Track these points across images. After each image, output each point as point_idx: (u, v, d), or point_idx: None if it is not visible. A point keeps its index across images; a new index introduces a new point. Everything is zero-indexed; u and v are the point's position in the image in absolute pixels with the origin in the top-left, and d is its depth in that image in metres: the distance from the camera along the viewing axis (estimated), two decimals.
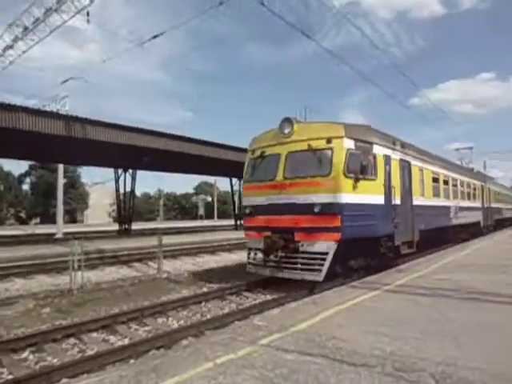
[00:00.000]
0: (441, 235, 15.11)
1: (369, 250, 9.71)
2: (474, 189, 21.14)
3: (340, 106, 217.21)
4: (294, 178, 8.98)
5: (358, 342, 4.10)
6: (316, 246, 8.53)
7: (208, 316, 7.38)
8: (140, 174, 38.50)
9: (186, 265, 14.25)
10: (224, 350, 4.02)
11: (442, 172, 15.43)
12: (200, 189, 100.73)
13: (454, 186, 17.06)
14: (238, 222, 38.16)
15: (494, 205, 26.38)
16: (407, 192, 11.37)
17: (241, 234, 25.88)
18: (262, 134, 10.35)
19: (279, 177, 9.22)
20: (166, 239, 19.36)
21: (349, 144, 8.77)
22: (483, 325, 4.67)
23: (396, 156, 10.79)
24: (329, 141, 8.72)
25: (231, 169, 31.92)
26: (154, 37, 13.37)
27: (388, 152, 10.29)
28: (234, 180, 38.40)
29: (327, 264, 8.33)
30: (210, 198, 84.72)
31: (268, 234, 9.18)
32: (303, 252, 8.67)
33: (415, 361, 3.54)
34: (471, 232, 20.00)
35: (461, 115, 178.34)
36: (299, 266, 8.67)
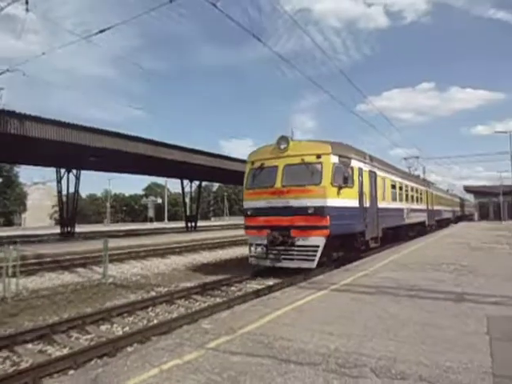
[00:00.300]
0: (397, 233, 17.53)
1: (347, 243, 11.86)
2: (420, 193, 23.78)
3: (293, 110, 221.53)
4: (291, 186, 10.76)
5: (304, 341, 4.18)
6: (309, 240, 10.37)
7: (155, 321, 7.16)
8: (86, 174, 36.72)
9: (134, 269, 13.76)
10: (170, 355, 3.92)
11: (398, 180, 17.96)
12: (150, 190, 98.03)
13: (406, 191, 19.62)
14: (189, 224, 37.64)
15: (435, 207, 29.26)
16: (374, 197, 13.60)
17: (191, 237, 25.60)
18: (260, 149, 12.18)
19: (278, 184, 10.97)
20: (113, 242, 18.63)
21: (334, 159, 10.83)
22: (421, 320, 4.96)
23: (366, 168, 13.02)
24: (319, 156, 10.70)
25: (182, 170, 31.48)
26: (101, 31, 12.78)
27: (361, 165, 12.49)
28: (186, 181, 37.81)
29: (318, 254, 10.22)
30: (160, 200, 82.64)
31: (268, 231, 10.75)
32: (299, 246, 10.44)
33: (357, 357, 3.68)
34: (418, 230, 22.66)
35: (403, 122, 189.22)
36: (295, 256, 10.46)
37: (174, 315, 7.52)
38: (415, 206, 21.54)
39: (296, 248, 10.46)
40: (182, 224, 43.55)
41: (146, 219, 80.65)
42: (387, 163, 17.52)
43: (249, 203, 11.75)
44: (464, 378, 3.20)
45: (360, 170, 12.27)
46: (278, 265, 10.76)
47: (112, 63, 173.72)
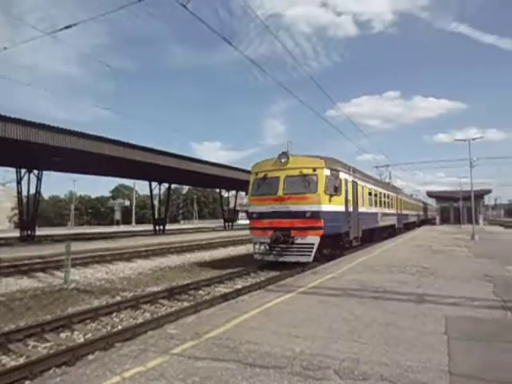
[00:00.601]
0: (372, 234, 19.83)
1: (335, 242, 13.85)
2: (391, 199, 26.09)
3: (264, 114, 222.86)
4: (291, 194, 12.63)
5: (270, 344, 4.18)
6: (306, 239, 12.25)
7: (119, 327, 6.94)
8: (49, 174, 35.22)
9: (99, 273, 13.30)
10: (133, 362, 3.81)
11: (374, 188, 20.26)
12: (117, 192, 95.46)
13: (380, 197, 21.86)
14: (157, 228, 36.94)
15: (403, 211, 31.45)
16: (356, 203, 15.72)
17: (159, 240, 25.15)
18: (263, 161, 13.94)
19: (280, 192, 12.82)
20: (77, 246, 18.00)
21: (327, 172, 12.83)
22: (384, 321, 5.09)
23: (350, 179, 15.14)
24: (314, 170, 12.69)
25: (151, 172, 30.87)
26: (67, 27, 12.34)
27: (346, 176, 14.60)
28: (154, 184, 37.10)
29: (314, 250, 12.12)
30: (127, 202, 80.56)
31: (272, 232, 12.52)
32: (298, 243, 12.32)
33: (322, 359, 3.72)
34: (389, 232, 25.02)
35: (371, 128, 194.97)
36: (295, 252, 12.34)
37: (139, 320, 7.32)
38: (387, 210, 23.84)
39: (295, 245, 12.35)
40: (150, 227, 42.64)
41: (112, 222, 78.37)
42: (365, 173, 20.03)
43: (254, 208, 13.53)
44: (423, 376, 3.30)
45: (346, 180, 14.42)
46: (281, 259, 12.59)
47: (78, 61, 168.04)
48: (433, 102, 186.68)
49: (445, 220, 54.60)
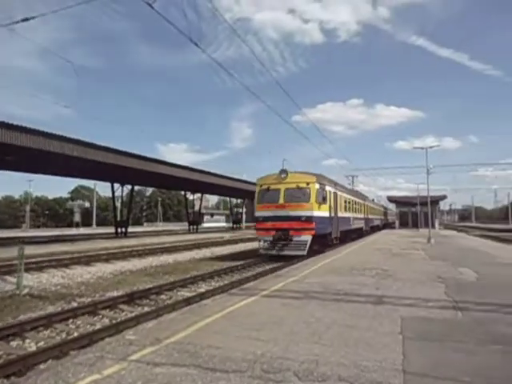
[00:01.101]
0: (346, 235, 23.18)
1: (322, 240, 17.30)
2: (360, 205, 29.99)
3: (231, 117, 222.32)
4: (290, 202, 16.06)
5: (231, 348, 4.16)
6: (302, 237, 15.54)
7: (75, 334, 6.65)
8: (2, 174, 33.41)
9: (55, 278, 12.71)
10: (89, 370, 3.67)
11: (348, 196, 24.26)
12: (77, 193, 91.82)
13: (352, 204, 25.65)
14: (119, 230, 35.88)
15: (369, 216, 35.20)
16: (336, 209, 19.42)
17: (121, 243, 24.47)
18: (267, 176, 17.32)
19: (281, 201, 16.23)
20: (32, 249, 17.14)
21: (317, 186, 16.41)
22: (344, 323, 5.21)
23: (332, 190, 18.99)
24: (308, 184, 16.21)
25: (114, 173, 29.99)
26: (25, 19, 11.78)
27: (330, 188, 18.53)
28: (116, 185, 36.04)
29: (307, 246, 15.42)
30: (88, 204, 77.63)
31: (274, 232, 15.83)
32: (295, 241, 15.59)
33: (282, 361, 3.75)
34: (358, 234, 28.58)
35: (335, 134, 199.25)
36: (293, 248, 15.58)
37: (97, 327, 7.05)
38: (357, 215, 27.79)
39: (293, 242, 15.54)
40: (111, 229, 41.33)
41: (71, 224, 75.18)
42: (343, 185, 24.88)
43: (260, 213, 16.84)
44: (378, 376, 3.41)
45: (329, 192, 18.16)
46: (282, 254, 15.65)
47: (38, 56, 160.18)
48: (394, 111, 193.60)
49: (403, 224, 56.72)
